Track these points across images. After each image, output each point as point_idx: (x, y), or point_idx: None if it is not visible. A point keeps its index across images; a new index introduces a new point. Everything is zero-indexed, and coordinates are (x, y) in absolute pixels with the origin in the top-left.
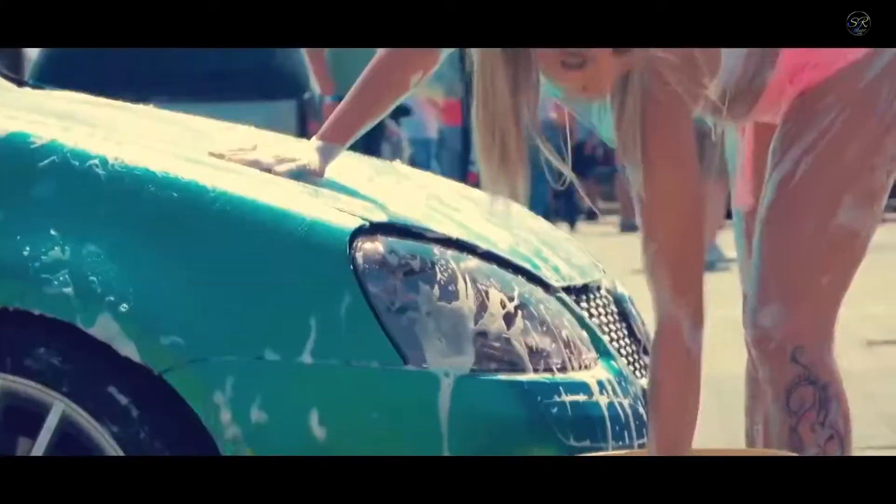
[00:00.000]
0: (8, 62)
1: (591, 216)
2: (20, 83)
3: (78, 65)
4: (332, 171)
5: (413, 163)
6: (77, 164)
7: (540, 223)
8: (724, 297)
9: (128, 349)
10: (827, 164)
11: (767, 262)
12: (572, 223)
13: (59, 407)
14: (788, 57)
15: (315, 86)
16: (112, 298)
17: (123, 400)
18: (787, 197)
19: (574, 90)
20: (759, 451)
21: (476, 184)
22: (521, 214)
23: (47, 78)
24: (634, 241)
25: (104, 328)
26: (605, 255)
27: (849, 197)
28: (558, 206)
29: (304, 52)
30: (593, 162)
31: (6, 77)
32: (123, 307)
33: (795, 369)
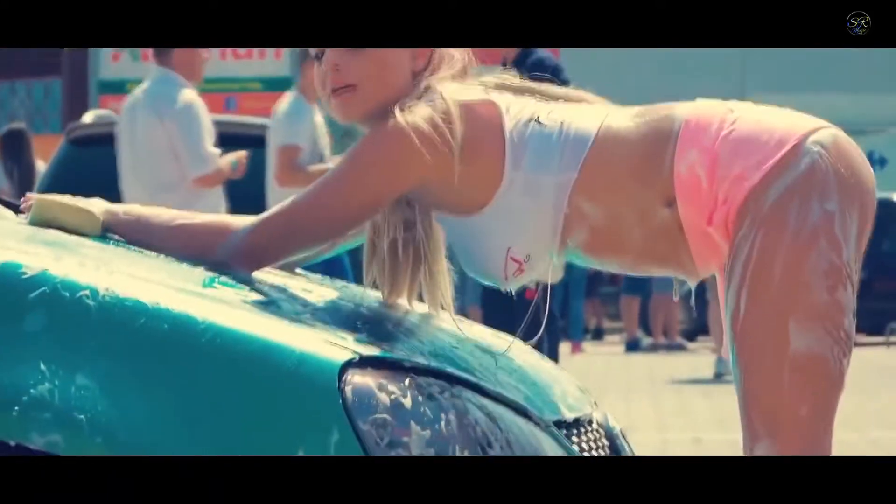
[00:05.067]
0: None
1: (597, 335)
2: (17, 210)
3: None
4: (324, 300)
5: None
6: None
7: (532, 355)
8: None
9: None
10: (760, 293)
11: (747, 402)
12: (578, 342)
13: None
14: (691, 203)
15: None
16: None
17: None
18: (740, 335)
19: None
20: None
21: None
22: (514, 347)
23: None
24: (639, 361)
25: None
26: (610, 374)
27: (794, 321)
28: (564, 325)
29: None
30: (599, 282)
31: (4, 204)
32: (114, 439)
33: None
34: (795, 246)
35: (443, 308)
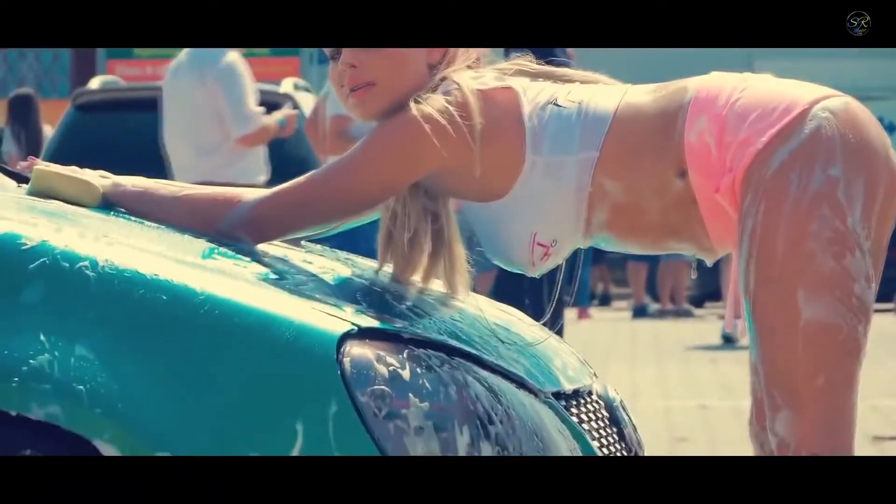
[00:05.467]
0: None
1: (604, 301)
2: (19, 180)
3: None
4: (325, 272)
5: None
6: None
7: (531, 327)
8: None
9: (111, 451)
10: (766, 266)
11: (765, 374)
12: (585, 308)
13: None
14: (702, 172)
15: None
16: (99, 403)
17: None
18: (753, 309)
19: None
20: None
21: None
22: (514, 318)
23: None
24: (645, 327)
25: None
26: (616, 340)
27: (802, 291)
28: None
29: (309, 140)
30: None
31: (5, 173)
32: (113, 410)
33: None
34: (796, 216)
35: (461, 292)
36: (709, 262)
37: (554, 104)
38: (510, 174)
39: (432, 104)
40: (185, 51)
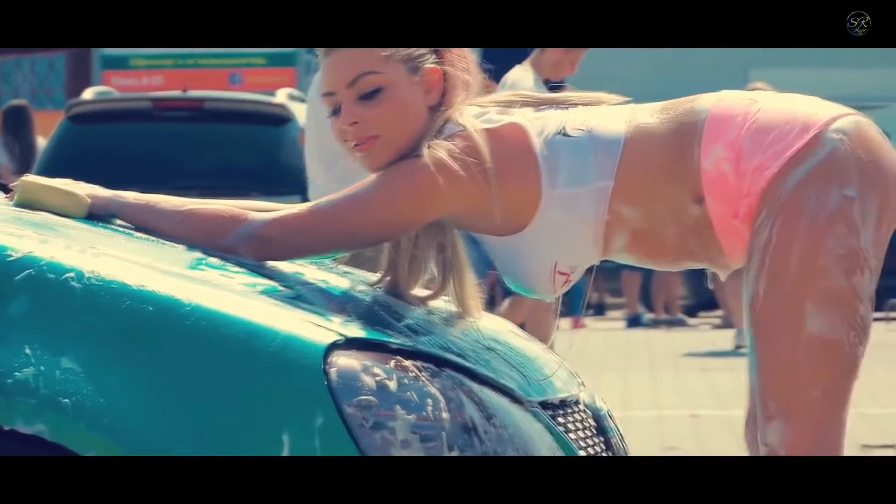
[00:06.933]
0: None
1: (599, 311)
2: (5, 190)
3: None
4: (315, 283)
5: None
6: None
7: (519, 337)
8: None
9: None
10: (778, 278)
11: (762, 384)
12: (579, 317)
13: None
14: (719, 199)
15: None
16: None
17: None
18: (757, 319)
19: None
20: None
21: None
22: (504, 329)
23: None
24: (639, 337)
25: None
26: (610, 350)
27: (810, 305)
28: (566, 300)
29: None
30: None
31: None
32: (98, 423)
33: None
34: (812, 231)
35: (473, 310)
36: (723, 277)
37: (563, 134)
38: (527, 209)
39: (443, 150)
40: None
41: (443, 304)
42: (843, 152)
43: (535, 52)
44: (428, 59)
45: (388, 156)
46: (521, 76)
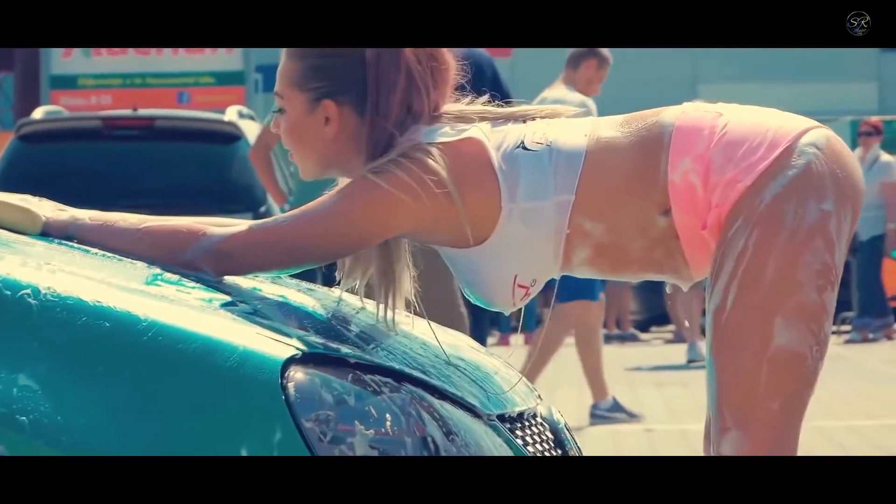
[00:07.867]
0: None
1: None
2: None
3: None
4: (274, 298)
5: None
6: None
7: (475, 351)
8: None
9: None
10: (750, 289)
11: (720, 394)
12: (531, 333)
13: None
14: (687, 211)
15: (271, 199)
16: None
17: None
18: (722, 328)
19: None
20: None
21: None
22: (462, 343)
23: None
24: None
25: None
26: (562, 365)
27: (780, 318)
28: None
29: (255, 168)
30: None
31: None
32: (57, 441)
33: None
34: (791, 245)
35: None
36: (684, 288)
37: (522, 148)
38: (487, 223)
39: (399, 167)
40: None
41: (405, 318)
42: (819, 167)
43: (568, 69)
44: (327, 92)
45: (311, 169)
46: (565, 94)
